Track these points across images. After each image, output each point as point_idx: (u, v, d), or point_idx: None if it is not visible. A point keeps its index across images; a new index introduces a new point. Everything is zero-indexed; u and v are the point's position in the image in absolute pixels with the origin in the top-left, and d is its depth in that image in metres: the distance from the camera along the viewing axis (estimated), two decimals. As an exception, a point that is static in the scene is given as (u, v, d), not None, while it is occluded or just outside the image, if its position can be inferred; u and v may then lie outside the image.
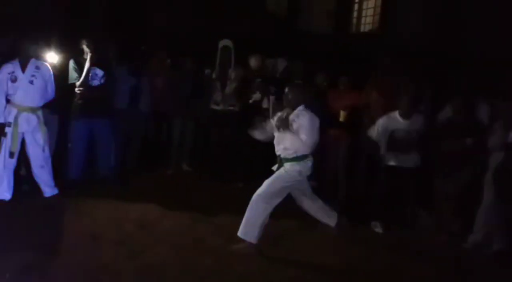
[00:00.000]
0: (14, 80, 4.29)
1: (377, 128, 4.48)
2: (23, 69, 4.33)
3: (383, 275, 3.49)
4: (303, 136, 3.65)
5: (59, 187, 4.60)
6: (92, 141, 4.90)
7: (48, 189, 4.53)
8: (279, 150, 3.82)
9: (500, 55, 5.73)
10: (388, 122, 4.43)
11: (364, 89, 5.23)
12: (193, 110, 5.59)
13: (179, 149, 5.74)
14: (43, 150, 4.45)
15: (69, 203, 4.41)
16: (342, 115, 4.88)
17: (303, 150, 3.70)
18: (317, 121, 3.74)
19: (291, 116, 3.76)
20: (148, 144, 5.75)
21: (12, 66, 4.32)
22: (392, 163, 4.42)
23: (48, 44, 4.68)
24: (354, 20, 9.57)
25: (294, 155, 3.73)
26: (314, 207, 4.02)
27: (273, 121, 3.90)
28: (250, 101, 5.28)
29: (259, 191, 3.71)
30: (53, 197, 4.53)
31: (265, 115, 5.10)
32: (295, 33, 8.59)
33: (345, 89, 5.14)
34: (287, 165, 3.75)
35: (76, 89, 4.76)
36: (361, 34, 9.39)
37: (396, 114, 4.42)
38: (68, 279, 3.05)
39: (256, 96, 5.21)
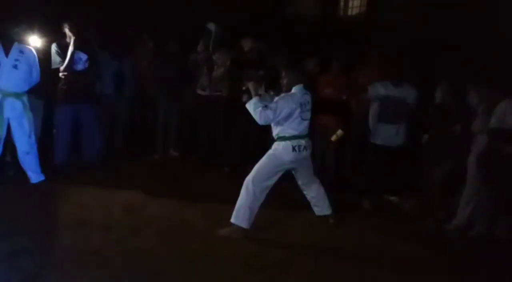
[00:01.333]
0: None
1: (369, 93, 4.57)
2: (7, 53, 4.24)
3: (370, 256, 3.55)
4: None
5: (45, 172, 4.56)
6: (77, 126, 4.86)
7: (34, 174, 4.48)
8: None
9: (486, 39, 5.79)
10: (379, 88, 4.53)
11: (352, 74, 5.27)
12: (179, 95, 5.56)
13: (165, 134, 5.72)
14: (29, 136, 4.39)
15: (55, 188, 4.39)
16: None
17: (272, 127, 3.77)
18: (289, 103, 3.67)
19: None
20: (134, 129, 5.72)
21: None
22: (379, 142, 4.49)
23: (30, 28, 4.58)
24: (342, 4, 9.54)
25: (275, 134, 3.78)
26: (316, 191, 4.00)
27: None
28: (243, 88, 5.23)
29: (250, 174, 3.70)
30: (39, 182, 4.50)
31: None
32: (283, 16, 8.51)
33: (336, 74, 5.15)
34: (274, 145, 3.78)
35: (60, 73, 4.69)
36: (349, 17, 9.36)
37: (387, 82, 4.53)
38: (56, 264, 3.04)
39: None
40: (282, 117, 3.66)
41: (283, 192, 4.03)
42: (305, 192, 4.02)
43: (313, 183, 3.99)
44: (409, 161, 4.70)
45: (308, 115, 3.82)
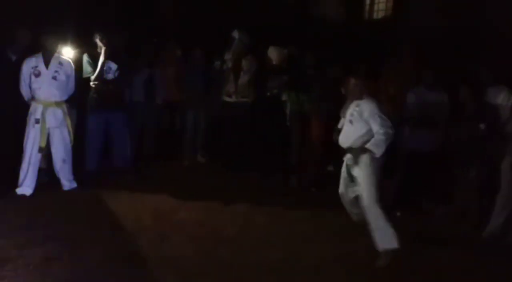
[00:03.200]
0: (37, 74, 4.35)
1: (408, 100, 4.55)
2: (47, 65, 4.39)
3: (405, 265, 3.44)
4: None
5: (77, 179, 4.68)
6: (108, 133, 4.98)
7: (67, 182, 4.60)
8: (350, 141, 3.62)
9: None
10: (414, 94, 4.51)
11: (381, 79, 5.19)
12: (205, 101, 5.62)
13: (193, 140, 5.79)
14: (68, 144, 4.54)
15: (87, 195, 4.49)
16: None
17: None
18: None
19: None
20: (163, 136, 5.81)
21: (36, 61, 4.38)
22: (414, 146, 4.45)
23: (66, 39, 4.73)
24: (367, 7, 9.45)
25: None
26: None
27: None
28: (268, 93, 5.26)
29: (366, 199, 3.46)
30: (72, 189, 4.61)
31: (283, 108, 5.15)
32: (308, 20, 8.50)
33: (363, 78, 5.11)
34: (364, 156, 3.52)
35: (91, 83, 4.84)
36: (374, 21, 9.27)
37: (421, 87, 4.52)
38: (89, 270, 3.11)
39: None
40: None
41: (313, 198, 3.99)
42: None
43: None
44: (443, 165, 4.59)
45: None
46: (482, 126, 4.12)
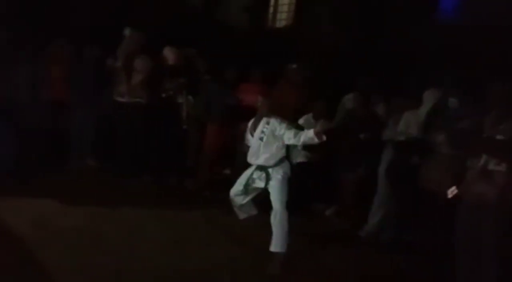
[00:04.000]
0: None
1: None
2: None
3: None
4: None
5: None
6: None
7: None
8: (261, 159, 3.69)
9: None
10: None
11: (277, 85, 5.33)
12: (96, 101, 5.34)
13: (82, 143, 5.46)
14: None
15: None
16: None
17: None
18: None
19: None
20: (49, 137, 5.40)
21: None
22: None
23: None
24: (270, 15, 9.73)
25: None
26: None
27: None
28: (163, 95, 5.14)
29: (277, 207, 3.56)
30: None
31: (178, 110, 5.08)
32: (211, 24, 8.52)
33: (257, 83, 5.23)
34: (275, 172, 3.65)
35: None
36: (276, 29, 9.56)
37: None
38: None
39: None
40: None
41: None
42: None
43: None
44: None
45: None
46: (363, 135, 4.46)
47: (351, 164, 4.57)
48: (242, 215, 4.01)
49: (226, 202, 3.99)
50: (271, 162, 3.65)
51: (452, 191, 3.30)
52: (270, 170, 3.64)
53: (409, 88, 5.07)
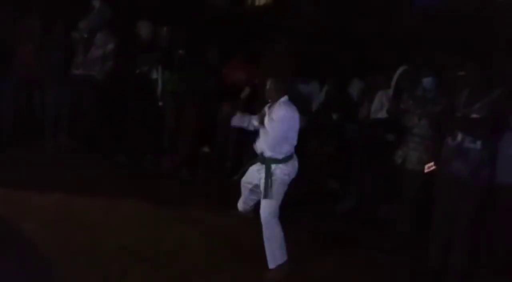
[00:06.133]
0: None
1: None
2: None
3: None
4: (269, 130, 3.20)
5: None
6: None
7: None
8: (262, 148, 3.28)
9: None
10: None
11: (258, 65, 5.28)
12: (64, 77, 5.16)
13: (56, 121, 5.29)
14: None
15: None
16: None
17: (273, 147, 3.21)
18: (293, 116, 3.24)
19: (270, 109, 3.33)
20: (21, 116, 5.26)
21: None
22: None
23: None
24: (250, -6, 9.57)
25: (283, 156, 3.22)
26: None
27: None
28: (138, 71, 5.02)
29: (265, 210, 3.16)
30: None
31: (153, 86, 4.98)
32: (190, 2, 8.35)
33: (239, 63, 5.17)
34: (276, 169, 3.20)
35: None
36: (256, 7, 9.43)
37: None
38: None
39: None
40: None
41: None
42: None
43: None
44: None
45: None
46: (334, 116, 4.52)
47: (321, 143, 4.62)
48: (240, 207, 3.73)
49: (202, 181, 3.99)
50: (268, 153, 3.23)
51: (429, 166, 3.39)
52: (273, 166, 3.20)
53: (384, 68, 5.11)
